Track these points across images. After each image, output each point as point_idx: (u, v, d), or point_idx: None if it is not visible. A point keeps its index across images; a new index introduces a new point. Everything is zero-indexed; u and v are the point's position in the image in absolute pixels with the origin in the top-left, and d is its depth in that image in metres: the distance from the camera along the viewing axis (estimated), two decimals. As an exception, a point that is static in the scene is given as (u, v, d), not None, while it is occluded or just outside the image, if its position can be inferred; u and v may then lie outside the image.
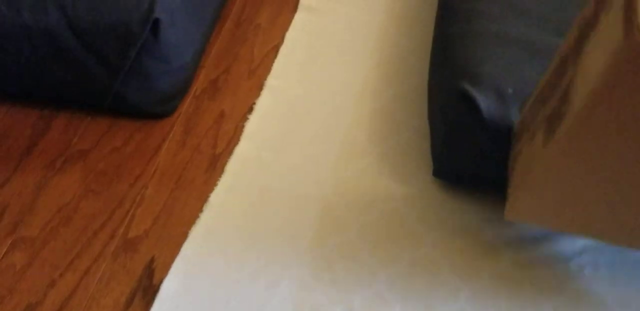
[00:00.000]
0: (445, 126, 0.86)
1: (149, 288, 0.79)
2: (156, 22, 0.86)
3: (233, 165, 0.93)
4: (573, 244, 0.85)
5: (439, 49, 0.92)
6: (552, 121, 0.64)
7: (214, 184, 0.91)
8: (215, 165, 0.94)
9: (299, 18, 1.19)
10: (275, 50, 1.14)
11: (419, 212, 0.87)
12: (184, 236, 0.84)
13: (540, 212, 0.74)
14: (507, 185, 0.86)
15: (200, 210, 0.87)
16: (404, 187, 0.90)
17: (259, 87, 1.06)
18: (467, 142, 0.84)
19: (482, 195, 0.90)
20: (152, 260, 0.81)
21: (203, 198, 0.89)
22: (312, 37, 1.16)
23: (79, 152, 0.94)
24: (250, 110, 1.02)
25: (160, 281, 0.79)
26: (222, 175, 0.92)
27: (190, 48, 0.97)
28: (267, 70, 1.10)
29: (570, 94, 0.60)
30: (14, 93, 0.98)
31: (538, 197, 0.70)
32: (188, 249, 0.82)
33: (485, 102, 0.78)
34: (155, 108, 0.98)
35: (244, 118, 1.01)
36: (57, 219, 0.86)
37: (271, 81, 1.07)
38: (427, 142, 0.95)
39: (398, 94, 1.04)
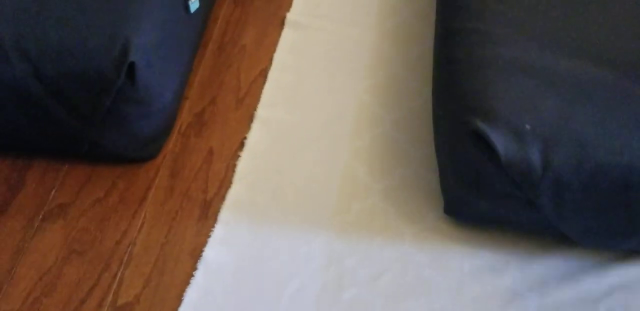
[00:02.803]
0: (455, 163, 0.78)
1: (144, 364, 0.72)
2: (132, 66, 0.77)
3: (226, 213, 0.86)
4: (600, 283, 0.78)
5: (442, 76, 0.83)
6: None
7: (207, 235, 0.84)
8: (207, 213, 0.86)
9: (286, 36, 1.10)
10: (263, 74, 1.05)
11: (430, 256, 0.80)
12: (178, 300, 0.77)
13: None
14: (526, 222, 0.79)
15: (194, 267, 0.80)
16: (413, 228, 0.82)
17: (249, 119, 0.98)
18: (481, 182, 0.76)
19: (499, 233, 0.82)
20: (145, 331, 0.75)
21: (196, 254, 0.82)
22: (301, 57, 1.07)
23: (59, 206, 0.87)
24: (241, 145, 0.94)
25: (156, 355, 0.73)
26: (215, 225, 0.84)
27: (172, 85, 0.88)
28: (256, 98, 1.01)
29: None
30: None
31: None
32: (184, 315, 0.76)
33: (502, 143, 0.70)
34: (137, 152, 0.90)
35: (235, 156, 0.93)
36: (40, 288, 0.78)
37: (261, 112, 0.98)
38: (435, 175, 0.88)
39: (398, 120, 0.96)
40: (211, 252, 0.81)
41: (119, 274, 0.80)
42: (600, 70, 0.75)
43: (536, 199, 0.72)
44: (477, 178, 0.76)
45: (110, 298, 0.77)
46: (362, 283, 0.78)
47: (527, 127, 0.71)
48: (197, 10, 0.96)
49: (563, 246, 0.80)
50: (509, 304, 0.75)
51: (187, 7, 0.93)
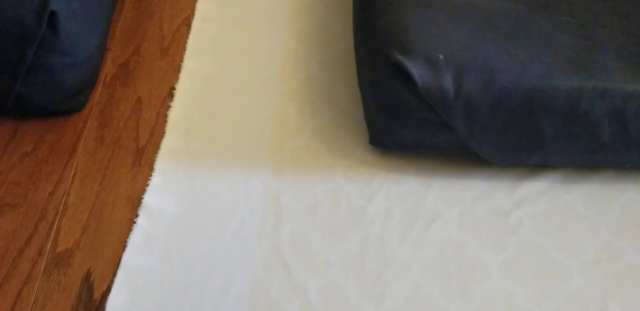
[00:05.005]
0: (377, 95, 0.82)
1: (90, 303, 0.74)
2: (53, 15, 0.76)
3: (162, 162, 0.87)
4: (510, 198, 0.85)
5: (361, 15, 0.86)
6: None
7: (143, 182, 0.85)
8: (140, 160, 0.87)
9: (207, -15, 1.10)
10: (186, 23, 1.05)
11: (360, 187, 0.85)
12: (119, 243, 0.79)
13: None
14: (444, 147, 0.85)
15: (132, 211, 0.82)
16: (343, 163, 0.87)
17: (175, 68, 0.98)
18: (401, 110, 0.81)
19: (421, 160, 0.88)
20: (88, 273, 0.76)
21: (133, 199, 0.83)
22: (224, 5, 1.07)
23: (-15, 162, 0.85)
24: (169, 94, 0.95)
25: (101, 295, 0.74)
26: (152, 173, 0.86)
27: (95, 35, 0.87)
28: (181, 47, 1.01)
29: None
30: None
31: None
32: (128, 259, 0.77)
33: (418, 72, 0.74)
34: (64, 104, 0.89)
35: (164, 105, 0.94)
36: (-26, 241, 0.78)
37: (187, 62, 0.99)
38: (360, 112, 0.92)
39: (323, 62, 0.99)
40: (151, 199, 0.83)
41: (56, 222, 0.80)
42: (504, 3, 0.81)
43: (451, 122, 0.78)
44: (397, 107, 0.81)
45: (49, 245, 0.78)
46: (300, 216, 0.82)
47: (441, 57, 0.76)
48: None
49: (478, 168, 0.87)
50: (432, 222, 0.82)
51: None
